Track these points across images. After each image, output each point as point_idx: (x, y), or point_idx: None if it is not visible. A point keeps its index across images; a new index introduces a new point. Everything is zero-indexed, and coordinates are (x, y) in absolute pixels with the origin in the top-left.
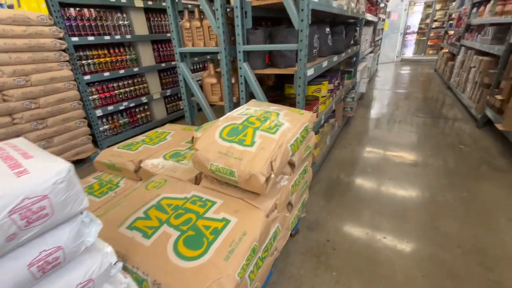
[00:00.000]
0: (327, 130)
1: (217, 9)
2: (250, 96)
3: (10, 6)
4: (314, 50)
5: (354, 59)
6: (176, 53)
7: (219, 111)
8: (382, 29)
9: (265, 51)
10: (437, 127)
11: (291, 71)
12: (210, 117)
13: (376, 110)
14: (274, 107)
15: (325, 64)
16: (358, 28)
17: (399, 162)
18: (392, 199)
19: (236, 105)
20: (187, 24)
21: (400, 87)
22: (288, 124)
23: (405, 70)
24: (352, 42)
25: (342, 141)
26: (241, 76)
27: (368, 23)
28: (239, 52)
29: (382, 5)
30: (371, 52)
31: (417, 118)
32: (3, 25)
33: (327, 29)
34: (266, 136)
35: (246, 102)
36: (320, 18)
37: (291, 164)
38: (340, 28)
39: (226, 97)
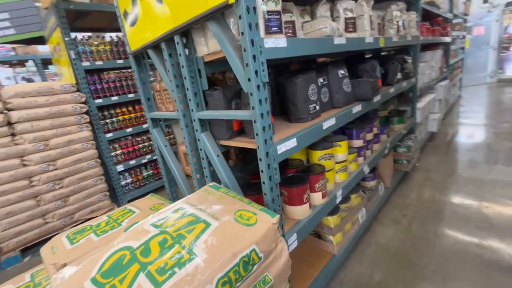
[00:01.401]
0: (357, 203)
1: (168, 70)
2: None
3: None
4: (312, 106)
5: (411, 94)
6: (147, 119)
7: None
8: (463, 47)
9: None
10: None
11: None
12: (186, 192)
13: (453, 157)
14: (216, 209)
15: (329, 123)
16: (409, 58)
17: (492, 262)
18: None
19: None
20: (157, 86)
21: (496, 119)
22: (203, 258)
23: (506, 94)
24: (399, 76)
25: (391, 211)
26: (200, 149)
27: (432, 46)
28: (194, 120)
29: (457, 20)
30: (444, 79)
31: None
32: (28, 97)
33: (341, 71)
34: None
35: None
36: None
37: None
38: (370, 65)
39: (193, 173)
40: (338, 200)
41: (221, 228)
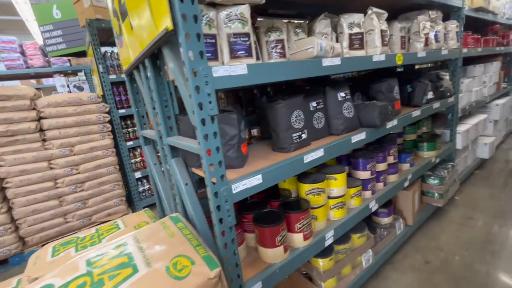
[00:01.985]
0: (361, 243)
1: (146, 92)
2: None
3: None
4: (296, 134)
5: (450, 115)
6: (139, 136)
7: None
8: None
9: None
10: None
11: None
12: (169, 213)
13: (510, 192)
14: (156, 250)
15: (315, 155)
16: (446, 74)
17: None
18: None
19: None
20: None
21: None
22: None
23: None
24: (429, 96)
25: (410, 255)
26: (171, 176)
27: (486, 58)
28: (162, 148)
29: None
30: (503, 96)
31: None
32: (59, 107)
33: (341, 94)
34: None
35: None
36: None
37: None
38: (386, 85)
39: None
40: (329, 242)
41: (146, 279)
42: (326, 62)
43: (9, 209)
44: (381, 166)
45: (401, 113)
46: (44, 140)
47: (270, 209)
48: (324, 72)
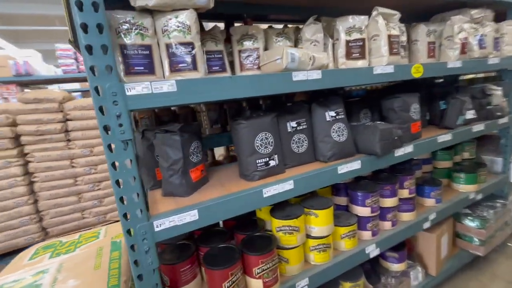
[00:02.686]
0: None
1: None
2: None
3: None
4: (261, 161)
5: (503, 140)
6: None
7: None
8: None
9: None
10: None
11: None
12: None
13: None
14: (67, 286)
15: (280, 188)
16: (497, 88)
17: None
18: None
19: None
20: None
21: None
22: None
23: None
24: (468, 116)
25: None
26: None
27: None
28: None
29: None
30: None
31: None
32: (84, 110)
33: (331, 113)
34: None
35: None
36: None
37: None
38: (400, 102)
39: None
40: None
41: None
42: (298, 76)
43: (35, 201)
44: (389, 202)
45: (422, 137)
46: (68, 140)
47: (226, 245)
48: (296, 88)
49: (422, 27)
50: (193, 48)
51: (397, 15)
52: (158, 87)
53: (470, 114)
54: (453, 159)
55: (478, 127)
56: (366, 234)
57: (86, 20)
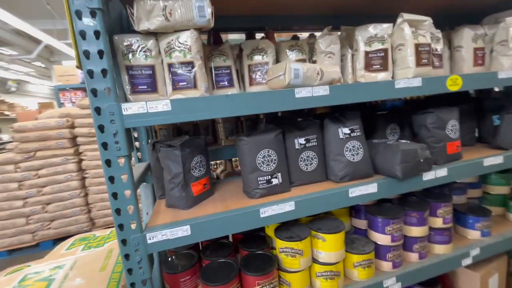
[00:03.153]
0: None
1: None
2: None
3: None
4: (263, 178)
5: None
6: None
7: None
8: None
9: None
10: None
11: None
12: None
13: None
14: (74, 284)
15: (280, 209)
16: None
17: None
18: None
19: None
20: None
21: None
22: None
23: None
24: None
25: None
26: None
27: None
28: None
29: None
30: None
31: None
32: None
33: (344, 130)
34: None
35: None
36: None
37: None
38: (434, 118)
39: None
40: None
41: None
42: (302, 93)
43: (86, 195)
44: (416, 231)
45: (463, 158)
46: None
47: (226, 260)
48: (299, 105)
49: (467, 31)
50: (193, 67)
51: (428, 21)
52: (153, 106)
53: None
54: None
55: None
56: (386, 265)
57: (88, 47)
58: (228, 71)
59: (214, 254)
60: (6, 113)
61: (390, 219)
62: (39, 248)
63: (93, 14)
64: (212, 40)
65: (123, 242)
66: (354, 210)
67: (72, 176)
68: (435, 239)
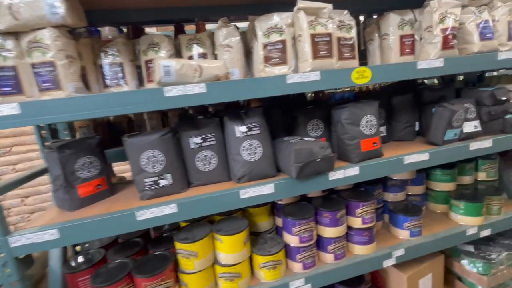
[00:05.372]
0: None
1: None
2: None
3: None
4: (149, 180)
5: None
6: None
7: None
8: None
9: None
10: None
11: None
12: None
13: None
14: None
15: (158, 212)
16: None
17: None
18: None
19: None
20: None
21: None
22: None
23: None
24: (470, 128)
25: None
26: None
27: None
28: None
29: None
30: None
31: None
32: None
33: (241, 128)
34: None
35: None
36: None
37: None
38: (348, 113)
39: None
40: None
41: None
42: (172, 92)
43: None
44: (329, 232)
45: (385, 156)
46: None
47: (121, 261)
48: (170, 104)
49: (392, 16)
50: (54, 67)
51: (327, 8)
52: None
53: (471, 126)
54: (457, 180)
55: (481, 144)
56: (296, 266)
57: None
58: (120, 68)
59: (122, 253)
60: None
61: (297, 220)
62: None
63: None
64: (132, 35)
65: None
66: (276, 208)
67: None
68: (354, 240)
